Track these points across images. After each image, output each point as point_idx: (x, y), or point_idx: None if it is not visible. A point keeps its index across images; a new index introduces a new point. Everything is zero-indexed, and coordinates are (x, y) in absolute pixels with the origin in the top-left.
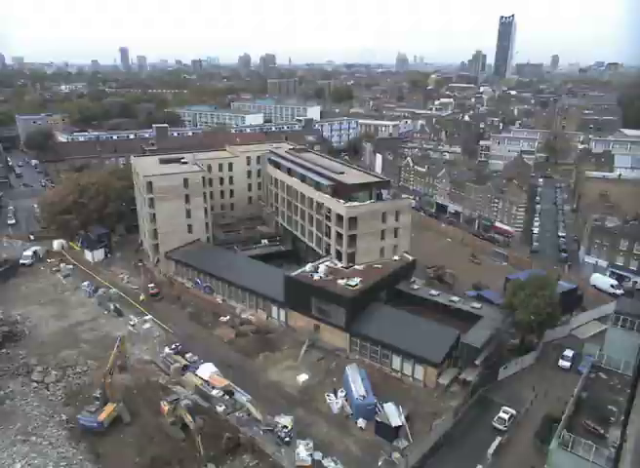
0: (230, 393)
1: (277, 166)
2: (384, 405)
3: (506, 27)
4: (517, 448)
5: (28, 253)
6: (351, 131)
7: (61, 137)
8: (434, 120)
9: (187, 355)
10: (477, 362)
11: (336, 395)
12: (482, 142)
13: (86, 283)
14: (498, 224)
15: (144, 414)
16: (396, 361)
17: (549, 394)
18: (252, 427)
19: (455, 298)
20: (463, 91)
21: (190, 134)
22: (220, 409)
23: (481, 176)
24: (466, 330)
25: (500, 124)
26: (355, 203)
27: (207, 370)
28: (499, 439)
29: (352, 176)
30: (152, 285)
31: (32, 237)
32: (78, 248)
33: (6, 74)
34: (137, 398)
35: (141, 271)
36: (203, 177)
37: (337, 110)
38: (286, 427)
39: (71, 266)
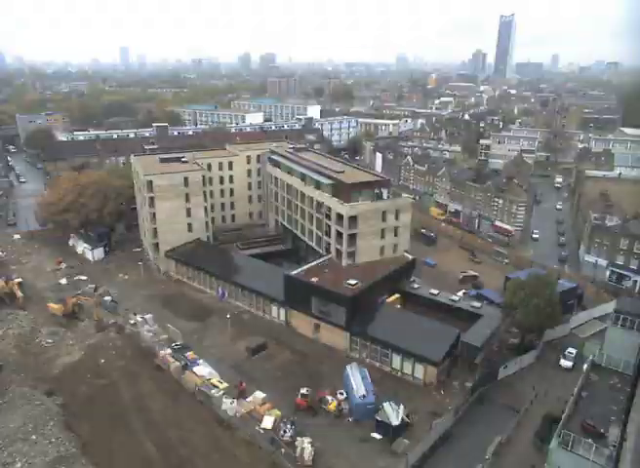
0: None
1: (277, 165)
2: (384, 404)
3: (506, 26)
4: (517, 448)
5: None
6: (351, 130)
7: (61, 137)
8: (434, 119)
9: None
10: (477, 361)
11: None
12: (482, 141)
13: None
14: (497, 223)
15: None
16: (396, 360)
17: (549, 393)
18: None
19: (455, 297)
20: (463, 90)
21: (190, 133)
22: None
23: (481, 175)
24: (466, 329)
25: (501, 123)
26: (355, 202)
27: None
28: (498, 438)
29: (352, 175)
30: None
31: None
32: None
33: (6, 73)
34: None
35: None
36: (203, 176)
37: (337, 109)
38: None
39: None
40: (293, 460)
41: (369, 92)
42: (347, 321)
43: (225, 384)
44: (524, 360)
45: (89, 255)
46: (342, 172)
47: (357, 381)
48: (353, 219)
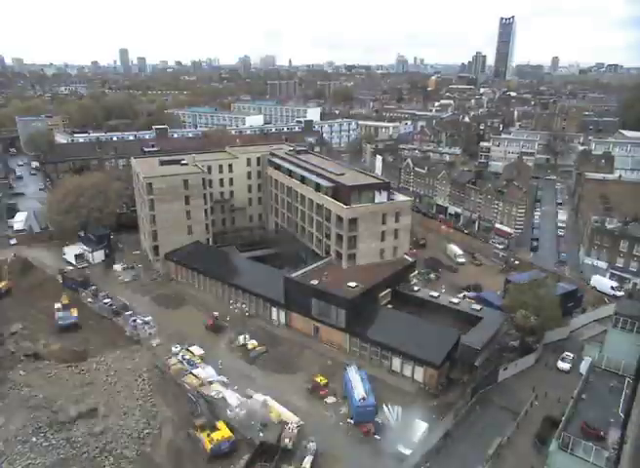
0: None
1: (277, 167)
2: (384, 406)
3: (506, 29)
4: (517, 450)
5: None
6: (351, 132)
7: (61, 139)
8: (434, 121)
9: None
10: (477, 363)
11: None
12: (482, 144)
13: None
14: (498, 226)
15: None
16: (396, 362)
17: (549, 395)
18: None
19: (455, 300)
20: (463, 92)
21: (190, 135)
22: None
23: (481, 178)
24: (466, 331)
25: (500, 125)
26: (355, 204)
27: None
28: (498, 440)
29: (352, 178)
30: None
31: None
32: None
33: (5, 75)
34: None
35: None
36: (203, 179)
37: (337, 112)
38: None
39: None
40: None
41: (369, 94)
42: (347, 323)
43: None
44: (524, 362)
45: (89, 258)
46: (342, 174)
47: (357, 383)
48: (353, 222)
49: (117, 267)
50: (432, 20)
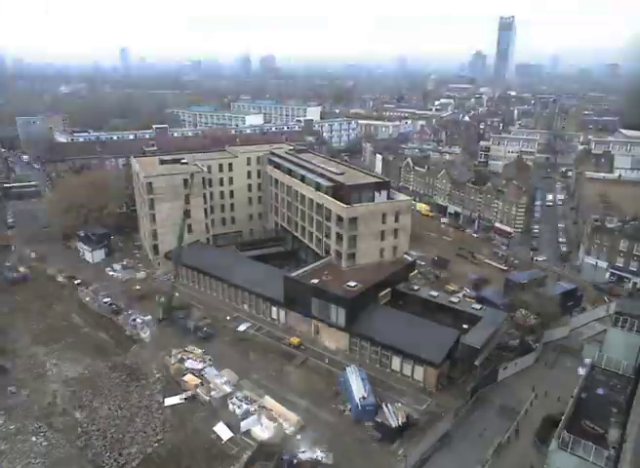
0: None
1: (277, 166)
2: (384, 405)
3: (506, 28)
4: (517, 449)
5: None
6: (351, 131)
7: (61, 138)
8: (434, 121)
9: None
10: (477, 362)
11: None
12: (482, 143)
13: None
14: (497, 225)
15: None
16: (396, 361)
17: (549, 394)
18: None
19: (455, 299)
20: (463, 91)
21: (190, 134)
22: None
23: (481, 177)
24: (466, 330)
25: (500, 124)
26: (355, 204)
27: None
28: (498, 439)
29: (352, 177)
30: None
31: None
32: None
33: (6, 75)
34: None
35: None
36: (203, 178)
37: (336, 111)
38: None
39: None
40: None
41: (369, 93)
42: (347, 322)
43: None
44: (523, 361)
45: (88, 257)
46: (342, 173)
47: (357, 383)
48: (353, 221)
49: (117, 267)
50: (432, 21)
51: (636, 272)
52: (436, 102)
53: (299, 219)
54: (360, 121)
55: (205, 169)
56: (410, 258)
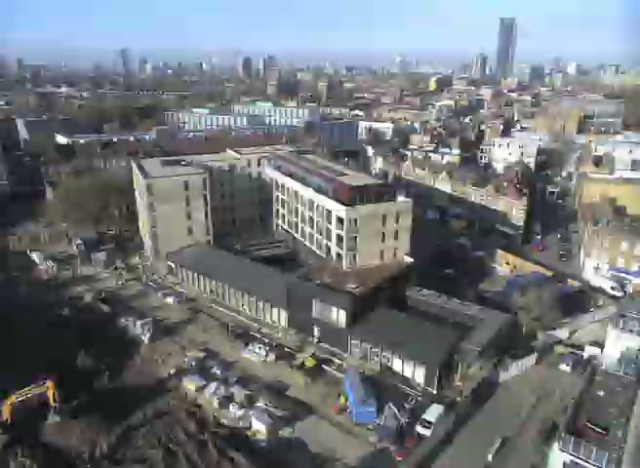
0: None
1: (277, 168)
2: (385, 407)
3: (507, 29)
4: (518, 450)
5: None
6: (352, 133)
7: (62, 140)
8: (435, 122)
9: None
10: (478, 364)
11: None
12: (483, 145)
13: None
14: (498, 226)
15: None
16: (396, 363)
17: (550, 396)
18: None
19: (455, 301)
20: (464, 93)
21: (191, 136)
22: None
23: (481, 178)
24: (467, 332)
25: (501, 126)
26: (355, 205)
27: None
28: (500, 440)
29: (352, 179)
30: None
31: None
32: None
33: (7, 76)
34: None
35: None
36: (203, 180)
37: (337, 112)
38: None
39: None
40: None
41: (370, 95)
42: (348, 324)
43: None
44: (525, 363)
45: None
46: (343, 175)
47: (358, 385)
48: (353, 223)
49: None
50: (433, 21)
51: (637, 273)
52: (437, 103)
53: (299, 221)
54: (361, 122)
55: (205, 170)
56: (410, 260)
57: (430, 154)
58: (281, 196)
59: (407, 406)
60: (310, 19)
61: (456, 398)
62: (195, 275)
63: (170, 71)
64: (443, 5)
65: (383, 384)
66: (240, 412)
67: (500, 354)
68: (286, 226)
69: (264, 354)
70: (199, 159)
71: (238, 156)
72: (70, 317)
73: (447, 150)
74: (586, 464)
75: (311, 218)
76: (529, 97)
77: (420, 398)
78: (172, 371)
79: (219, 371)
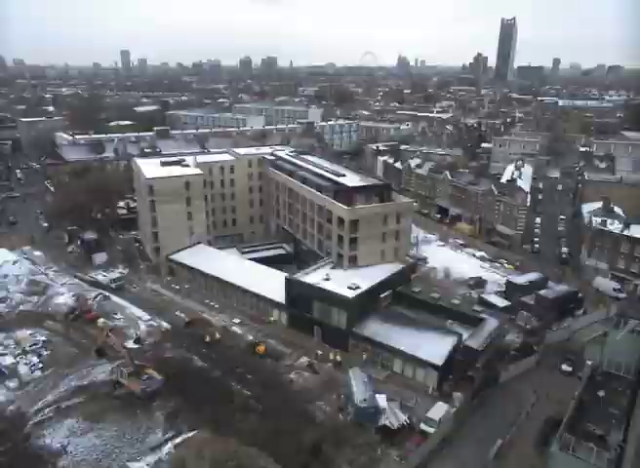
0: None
1: (278, 168)
2: (385, 407)
3: (508, 30)
4: (518, 451)
5: None
6: (352, 133)
7: (62, 140)
8: (435, 122)
9: None
10: (478, 364)
11: None
12: (483, 145)
13: None
14: (498, 227)
15: None
16: (397, 363)
17: (550, 396)
18: None
19: (456, 301)
20: (465, 93)
21: (191, 136)
22: None
23: (482, 179)
24: (468, 332)
25: (502, 126)
26: (356, 206)
27: None
28: (500, 441)
29: (353, 179)
30: None
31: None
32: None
33: (7, 76)
34: None
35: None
36: (204, 180)
37: (338, 113)
38: None
39: None
40: None
41: (370, 95)
42: (349, 324)
43: None
44: (525, 363)
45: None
46: (343, 175)
47: (358, 385)
48: (354, 223)
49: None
50: (432, 21)
51: (637, 274)
52: (437, 104)
53: (300, 221)
54: (361, 123)
55: (206, 171)
56: (411, 260)
57: (431, 154)
58: (282, 196)
59: (409, 405)
60: (310, 19)
61: (456, 397)
62: (195, 275)
63: (170, 71)
64: (443, 5)
65: (384, 384)
66: None
67: (500, 354)
68: (286, 227)
69: None
70: (200, 159)
71: (239, 156)
72: None
73: (447, 150)
74: (587, 464)
75: (312, 219)
76: (529, 97)
77: (419, 398)
78: None
79: None
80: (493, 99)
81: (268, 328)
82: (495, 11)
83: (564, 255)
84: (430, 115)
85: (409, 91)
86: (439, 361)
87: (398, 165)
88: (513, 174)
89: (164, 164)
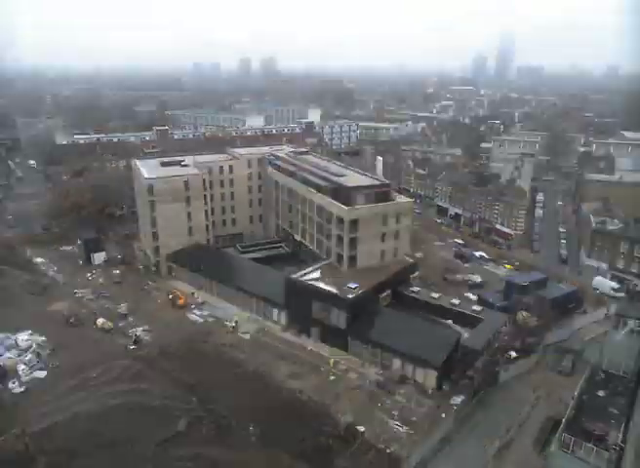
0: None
1: (278, 168)
2: None
3: (507, 30)
4: (518, 451)
5: None
6: (352, 133)
7: (62, 140)
8: (435, 122)
9: None
10: (477, 364)
11: None
12: (483, 145)
13: None
14: (498, 227)
15: None
16: (396, 363)
17: (550, 396)
18: None
19: (455, 301)
20: (464, 93)
21: (191, 136)
22: None
23: (482, 179)
24: (467, 332)
25: (501, 126)
26: (356, 206)
27: None
28: (499, 441)
29: (353, 179)
30: None
31: None
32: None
33: (7, 77)
34: None
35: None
36: (204, 180)
37: (337, 113)
38: None
39: None
40: None
41: (369, 95)
42: (348, 324)
43: None
44: (524, 363)
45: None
46: (343, 175)
47: None
48: (354, 223)
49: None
50: (433, 21)
51: (637, 274)
52: (437, 105)
53: (299, 221)
54: (361, 123)
55: (205, 171)
56: (411, 260)
57: (430, 154)
58: (281, 196)
59: None
60: (310, 18)
61: (455, 397)
62: (195, 275)
63: (170, 71)
64: (443, 5)
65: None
66: None
67: (499, 354)
68: (286, 227)
69: None
70: (199, 159)
71: (238, 156)
72: None
73: (447, 150)
74: (586, 464)
75: (311, 219)
76: (529, 98)
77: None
78: None
79: None
80: (492, 99)
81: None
82: (495, 10)
83: (563, 255)
84: (430, 115)
85: (408, 91)
86: (438, 361)
87: (398, 165)
88: (513, 173)
89: (164, 164)
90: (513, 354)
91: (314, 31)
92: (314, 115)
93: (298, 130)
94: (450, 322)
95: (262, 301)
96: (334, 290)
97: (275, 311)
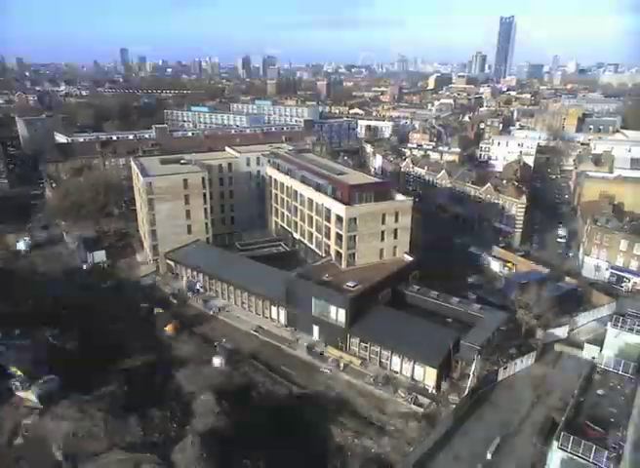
0: None
1: (277, 167)
2: None
3: (506, 28)
4: (517, 449)
5: None
6: (351, 131)
7: (62, 138)
8: (434, 121)
9: None
10: (477, 363)
11: None
12: (482, 143)
13: None
14: (497, 225)
15: None
16: (395, 362)
17: (550, 395)
18: None
19: (455, 300)
20: (463, 91)
21: (190, 134)
22: None
23: (481, 177)
24: (466, 331)
25: (500, 124)
26: (354, 204)
27: None
28: (498, 439)
29: (352, 178)
30: None
31: None
32: None
33: (6, 75)
34: None
35: None
36: (203, 178)
37: (336, 111)
38: None
39: None
40: None
41: (369, 93)
42: (347, 323)
43: None
44: (524, 361)
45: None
46: (342, 174)
47: None
48: (353, 221)
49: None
50: (432, 21)
51: (636, 272)
52: (436, 102)
53: (298, 220)
54: (360, 121)
55: (204, 169)
56: (410, 258)
57: (429, 152)
58: (280, 194)
59: None
60: (310, 17)
61: (454, 396)
62: (194, 273)
63: (169, 70)
64: (443, 4)
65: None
66: None
67: (499, 352)
68: (285, 225)
69: None
70: (198, 157)
71: (237, 154)
72: None
73: (446, 148)
74: (585, 462)
75: (310, 217)
76: (528, 96)
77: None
78: None
79: None
80: (491, 97)
81: None
82: (494, 10)
83: (563, 253)
84: (429, 113)
85: (407, 89)
86: (438, 359)
87: (397, 163)
88: (511, 172)
89: (163, 162)
90: (513, 352)
91: (315, 28)
92: (313, 113)
93: (297, 128)
94: (449, 320)
95: (262, 299)
96: (333, 288)
97: (275, 309)
